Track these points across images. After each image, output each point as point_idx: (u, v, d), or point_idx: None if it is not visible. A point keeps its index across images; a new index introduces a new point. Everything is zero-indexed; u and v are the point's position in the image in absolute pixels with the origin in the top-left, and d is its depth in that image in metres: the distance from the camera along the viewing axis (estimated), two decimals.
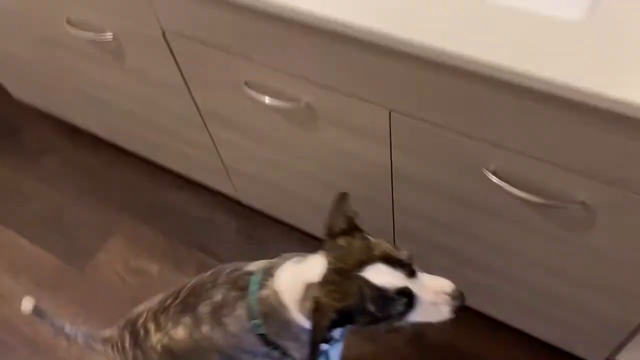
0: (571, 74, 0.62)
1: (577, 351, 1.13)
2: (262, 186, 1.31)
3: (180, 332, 0.88)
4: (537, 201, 0.78)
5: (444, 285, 0.75)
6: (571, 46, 0.64)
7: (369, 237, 0.78)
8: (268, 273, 0.83)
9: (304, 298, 0.76)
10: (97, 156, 1.73)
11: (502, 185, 0.80)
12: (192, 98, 1.14)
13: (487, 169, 0.81)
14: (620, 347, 1.05)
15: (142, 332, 0.92)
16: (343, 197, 0.80)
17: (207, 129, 1.22)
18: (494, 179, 0.80)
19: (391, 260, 0.73)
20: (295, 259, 0.83)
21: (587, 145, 0.69)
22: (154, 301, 0.96)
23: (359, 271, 0.73)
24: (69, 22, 1.13)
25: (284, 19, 0.79)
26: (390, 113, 0.84)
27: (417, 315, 0.75)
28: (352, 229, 0.78)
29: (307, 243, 1.45)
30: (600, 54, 0.63)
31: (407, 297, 0.73)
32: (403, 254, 0.75)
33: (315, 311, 0.73)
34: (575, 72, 0.62)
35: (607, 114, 0.63)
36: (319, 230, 1.36)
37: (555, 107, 0.67)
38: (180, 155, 1.43)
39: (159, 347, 0.90)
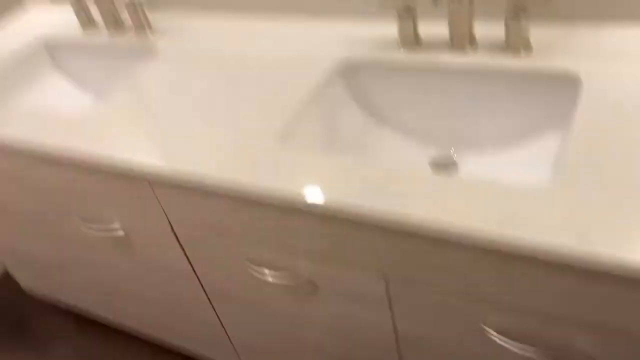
0: (545, 235, 0.68)
1: None
2: (269, 358, 1.32)
3: None
4: (535, 357, 0.81)
5: None
6: (543, 210, 0.71)
7: None
8: None
9: None
10: (106, 344, 1.73)
11: (502, 342, 0.82)
12: (198, 279, 1.19)
13: (486, 326, 0.84)
14: None
15: None
16: None
17: (213, 307, 1.26)
18: (495, 335, 0.83)
19: None
20: None
21: (575, 299, 0.74)
22: None
23: None
24: (80, 218, 1.23)
25: (280, 207, 0.88)
26: (386, 280, 0.89)
27: None
28: None
29: None
30: (571, 215, 0.70)
31: None
32: None
33: None
34: (549, 234, 0.68)
35: (589, 271, 0.69)
36: None
37: (538, 266, 0.72)
38: (188, 334, 1.45)
39: None
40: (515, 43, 0.96)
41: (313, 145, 0.99)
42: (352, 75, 1.08)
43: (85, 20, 1.43)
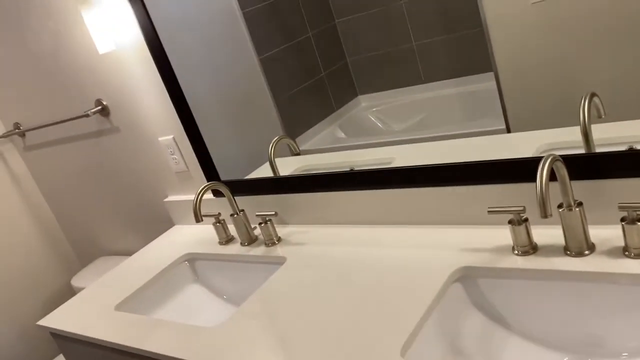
0: None
1: None
2: None
3: None
4: None
5: None
6: None
7: None
8: None
9: None
10: None
11: None
12: None
13: None
14: None
15: None
16: None
17: None
18: None
19: None
20: None
21: None
22: None
23: None
24: None
25: None
26: None
27: None
28: None
29: None
30: None
31: None
32: None
33: None
34: None
35: None
36: None
37: None
38: None
39: None
40: (636, 246, 0.96)
41: (437, 356, 0.99)
42: (470, 282, 1.11)
43: (224, 236, 1.63)
